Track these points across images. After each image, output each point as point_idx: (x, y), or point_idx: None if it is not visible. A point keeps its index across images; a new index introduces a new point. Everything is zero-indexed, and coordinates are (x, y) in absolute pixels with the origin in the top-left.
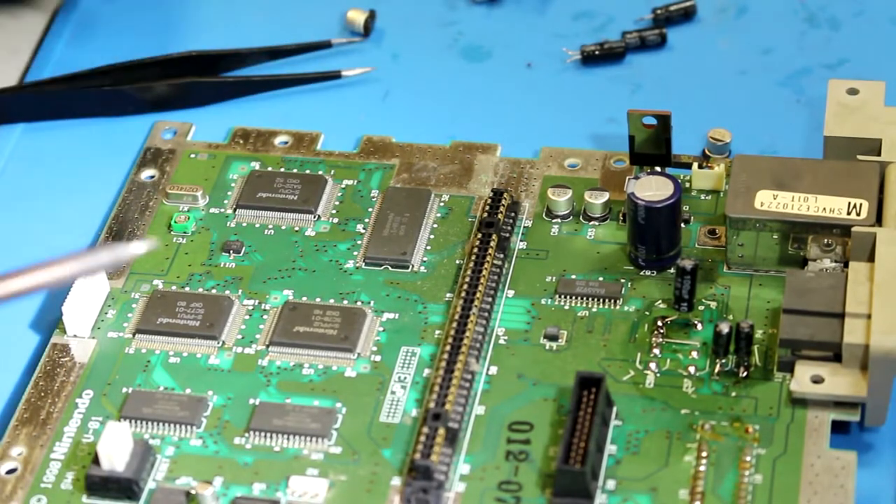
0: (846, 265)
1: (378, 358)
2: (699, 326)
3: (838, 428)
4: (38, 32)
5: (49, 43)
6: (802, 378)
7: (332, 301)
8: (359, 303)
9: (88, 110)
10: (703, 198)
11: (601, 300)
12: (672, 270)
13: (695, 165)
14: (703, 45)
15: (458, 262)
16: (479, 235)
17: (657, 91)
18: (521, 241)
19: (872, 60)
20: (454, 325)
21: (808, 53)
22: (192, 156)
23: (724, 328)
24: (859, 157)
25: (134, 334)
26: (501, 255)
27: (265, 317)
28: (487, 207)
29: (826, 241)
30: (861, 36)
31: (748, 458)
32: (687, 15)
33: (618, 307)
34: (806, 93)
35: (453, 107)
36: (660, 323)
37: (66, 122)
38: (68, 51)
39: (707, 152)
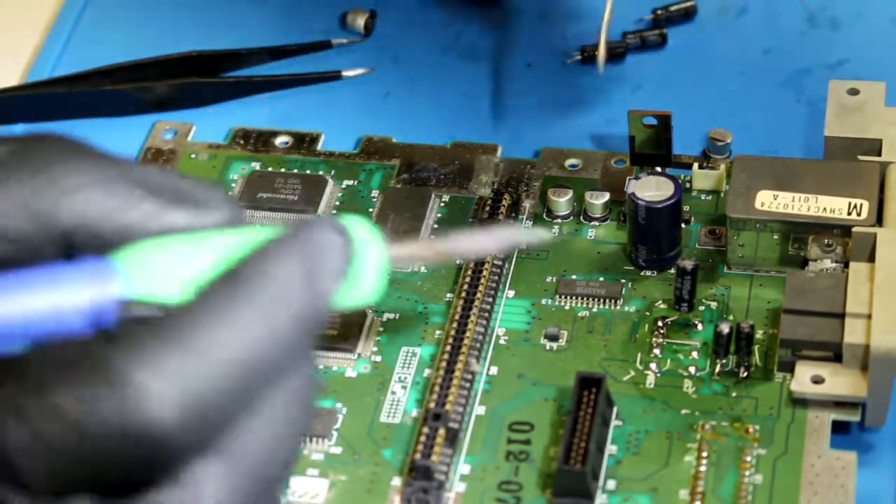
0: (846, 265)
1: (378, 358)
2: (699, 326)
3: (838, 428)
4: (39, 32)
5: (49, 43)
6: (803, 378)
7: None
8: None
9: (88, 110)
10: (703, 198)
11: (601, 300)
12: (672, 271)
13: (695, 165)
14: (703, 45)
15: (458, 262)
16: None
17: (657, 91)
18: None
19: (872, 60)
20: (454, 325)
21: (808, 53)
22: (193, 156)
23: (725, 328)
24: (860, 157)
25: None
26: (502, 256)
27: None
28: (487, 208)
29: (826, 241)
30: (861, 36)
31: (748, 459)
32: (687, 15)
33: (618, 307)
34: (806, 93)
35: (453, 107)
36: (660, 323)
37: (66, 122)
38: (68, 51)
39: (707, 152)
